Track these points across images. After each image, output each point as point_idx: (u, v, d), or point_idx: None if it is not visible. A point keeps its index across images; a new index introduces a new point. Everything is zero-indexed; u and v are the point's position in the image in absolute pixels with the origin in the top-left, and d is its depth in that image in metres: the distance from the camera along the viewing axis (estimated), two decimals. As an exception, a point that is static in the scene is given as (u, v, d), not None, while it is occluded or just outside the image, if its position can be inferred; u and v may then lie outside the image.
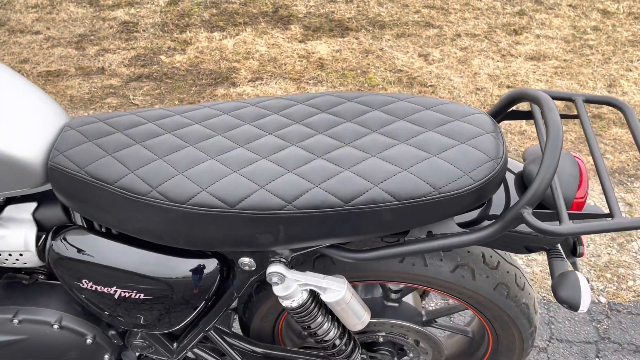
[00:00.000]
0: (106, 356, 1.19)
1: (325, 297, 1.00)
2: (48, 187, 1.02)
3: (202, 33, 3.52)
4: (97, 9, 3.76)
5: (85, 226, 1.07)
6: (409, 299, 1.30)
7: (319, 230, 0.91)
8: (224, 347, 1.19)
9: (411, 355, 1.32)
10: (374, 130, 0.96)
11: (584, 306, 0.91)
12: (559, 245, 1.01)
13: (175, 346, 1.22)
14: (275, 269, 0.97)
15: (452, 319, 1.81)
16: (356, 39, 3.46)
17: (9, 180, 0.98)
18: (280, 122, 1.01)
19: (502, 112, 1.03)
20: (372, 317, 1.21)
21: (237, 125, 1.02)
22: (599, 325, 1.81)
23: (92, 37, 3.45)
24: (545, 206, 0.93)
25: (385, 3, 3.87)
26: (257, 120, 1.02)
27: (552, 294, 0.92)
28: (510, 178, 1.02)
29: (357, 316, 1.04)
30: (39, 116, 1.02)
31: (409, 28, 3.57)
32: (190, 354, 1.33)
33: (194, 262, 1.04)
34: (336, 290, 0.99)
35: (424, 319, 1.29)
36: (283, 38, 3.48)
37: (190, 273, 1.03)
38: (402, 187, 0.87)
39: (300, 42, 3.42)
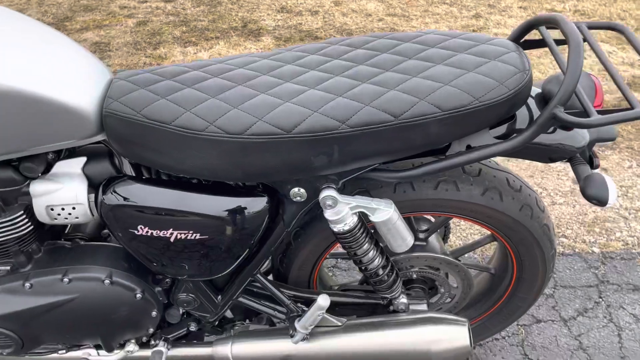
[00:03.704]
0: (154, 313, 1.21)
1: (374, 218, 1.07)
2: (98, 138, 1.06)
3: (176, 48, 3.58)
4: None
5: (133, 174, 1.11)
6: (433, 240, 1.38)
7: (371, 148, 0.98)
8: (270, 289, 1.23)
9: (442, 290, 1.39)
10: (410, 57, 1.05)
11: (612, 200, 1.01)
12: (578, 155, 1.12)
13: (219, 299, 1.25)
14: (328, 192, 1.04)
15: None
16: (328, 44, 3.59)
17: (65, 130, 1.01)
18: (320, 60, 1.09)
19: (519, 39, 1.14)
20: (404, 253, 1.29)
21: (279, 67, 1.09)
22: (597, 271, 1.93)
23: (65, 58, 3.45)
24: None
25: (349, 14, 4.04)
26: (297, 61, 1.10)
27: (582, 196, 1.02)
28: (530, 101, 1.12)
29: (402, 237, 1.11)
30: (89, 69, 1.06)
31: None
32: (227, 313, 1.37)
33: (245, 199, 1.09)
34: (385, 210, 1.06)
35: (453, 257, 1.37)
36: (256, 49, 3.58)
37: (242, 209, 1.08)
38: (446, 99, 0.96)
39: (274, 50, 3.52)
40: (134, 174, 1.12)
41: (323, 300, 1.16)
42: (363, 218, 1.12)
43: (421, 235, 1.35)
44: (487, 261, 1.53)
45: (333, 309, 1.33)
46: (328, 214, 1.06)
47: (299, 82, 1.04)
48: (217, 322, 1.34)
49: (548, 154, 1.10)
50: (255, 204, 1.09)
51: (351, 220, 1.07)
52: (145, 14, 4.08)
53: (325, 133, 0.96)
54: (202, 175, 1.04)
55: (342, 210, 1.06)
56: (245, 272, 1.20)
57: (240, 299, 1.28)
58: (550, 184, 2.38)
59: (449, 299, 1.43)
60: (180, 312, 1.29)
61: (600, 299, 1.83)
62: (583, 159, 1.11)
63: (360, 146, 0.98)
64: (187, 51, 3.56)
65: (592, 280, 1.90)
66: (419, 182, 1.16)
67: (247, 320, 1.39)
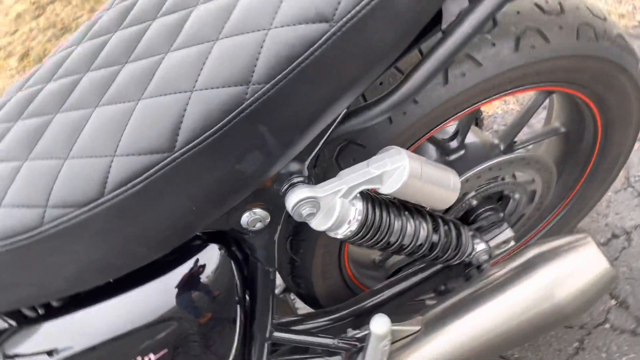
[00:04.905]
0: None
1: (387, 189, 0.63)
2: None
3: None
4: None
5: (15, 324, 0.69)
6: (470, 139, 0.94)
7: (317, 93, 0.53)
8: (301, 339, 0.83)
9: (517, 196, 0.97)
10: None
11: None
12: None
13: (246, 379, 0.86)
14: (298, 196, 0.60)
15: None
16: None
17: None
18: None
19: None
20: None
21: (104, 43, 0.63)
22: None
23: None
24: None
25: None
26: (129, 17, 0.63)
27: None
28: None
29: (443, 185, 0.68)
30: None
31: None
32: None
33: (187, 266, 0.66)
34: (396, 167, 0.62)
35: (502, 148, 0.94)
36: None
37: (193, 282, 0.66)
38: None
39: None
40: (13, 323, 0.69)
41: (378, 327, 0.75)
42: (368, 192, 0.68)
43: (453, 144, 0.91)
44: (545, 120, 1.09)
45: (398, 299, 0.93)
46: (316, 224, 0.63)
47: (145, 54, 0.57)
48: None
49: None
50: (206, 263, 0.67)
51: (355, 213, 0.63)
52: (22, 43, 3.51)
53: (231, 117, 0.51)
54: (89, 282, 0.61)
55: (333, 208, 0.62)
56: (257, 341, 0.80)
57: (274, 365, 0.89)
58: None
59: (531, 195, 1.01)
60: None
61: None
62: None
63: (299, 102, 0.53)
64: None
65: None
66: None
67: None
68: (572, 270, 0.75)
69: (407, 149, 0.78)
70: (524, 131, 1.03)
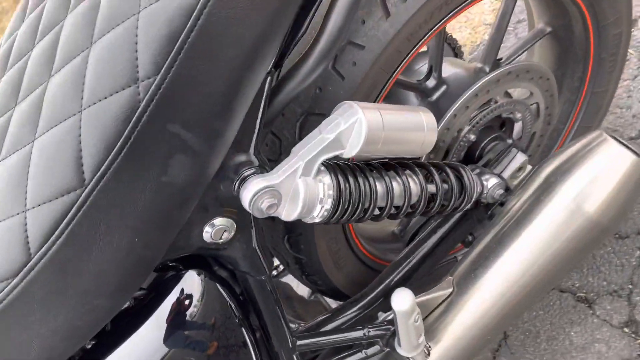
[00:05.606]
0: None
1: (350, 151, 0.55)
2: None
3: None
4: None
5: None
6: (449, 71, 0.84)
7: (219, 68, 0.45)
8: (328, 340, 0.75)
9: (518, 115, 0.86)
10: None
11: None
12: None
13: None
14: (251, 190, 0.52)
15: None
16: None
17: None
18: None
19: None
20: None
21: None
22: None
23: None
24: None
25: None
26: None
27: None
28: None
29: (415, 128, 0.59)
30: None
31: None
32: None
33: (169, 303, 0.59)
34: (352, 124, 0.54)
35: (489, 70, 0.84)
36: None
37: (181, 318, 0.60)
38: None
39: None
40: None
41: (400, 303, 0.66)
42: (335, 161, 0.60)
43: (431, 83, 0.82)
44: (528, 26, 0.98)
45: (425, 264, 0.84)
46: (285, 215, 0.55)
47: (29, 89, 0.51)
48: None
49: None
50: (189, 293, 0.60)
51: (324, 189, 0.55)
52: None
53: (132, 126, 0.44)
54: (68, 351, 0.55)
55: (297, 192, 0.54)
56: (282, 356, 0.72)
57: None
58: None
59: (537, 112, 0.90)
60: None
61: None
62: None
63: (202, 82, 0.45)
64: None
65: None
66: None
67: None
68: (594, 175, 0.65)
69: (374, 101, 0.70)
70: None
